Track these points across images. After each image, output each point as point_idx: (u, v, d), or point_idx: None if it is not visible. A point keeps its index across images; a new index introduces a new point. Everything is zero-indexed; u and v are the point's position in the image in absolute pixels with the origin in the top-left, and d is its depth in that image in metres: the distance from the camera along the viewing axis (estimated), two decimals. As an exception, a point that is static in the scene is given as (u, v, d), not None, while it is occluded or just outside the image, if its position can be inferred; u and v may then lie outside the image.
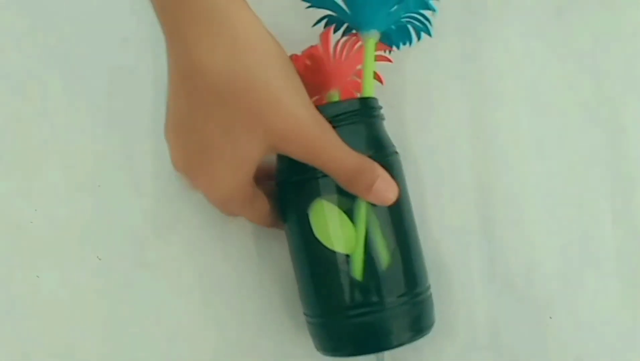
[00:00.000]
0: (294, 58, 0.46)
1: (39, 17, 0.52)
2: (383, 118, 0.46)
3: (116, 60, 0.51)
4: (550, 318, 0.49)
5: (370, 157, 0.43)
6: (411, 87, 0.51)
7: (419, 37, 0.49)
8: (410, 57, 0.51)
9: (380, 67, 0.49)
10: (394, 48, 0.50)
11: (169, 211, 0.50)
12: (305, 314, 0.46)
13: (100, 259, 0.49)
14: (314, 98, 0.48)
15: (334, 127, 0.43)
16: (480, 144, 0.51)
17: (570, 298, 0.49)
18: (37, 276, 0.49)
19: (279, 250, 0.48)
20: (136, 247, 0.49)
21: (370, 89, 0.46)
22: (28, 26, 0.52)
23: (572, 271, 0.50)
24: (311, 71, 0.46)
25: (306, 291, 0.45)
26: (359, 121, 0.44)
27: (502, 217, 0.50)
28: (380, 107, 0.46)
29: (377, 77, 0.49)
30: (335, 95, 0.47)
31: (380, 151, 0.45)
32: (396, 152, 0.46)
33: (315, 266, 0.44)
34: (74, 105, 0.51)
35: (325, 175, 0.43)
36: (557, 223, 0.50)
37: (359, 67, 0.48)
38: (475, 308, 0.49)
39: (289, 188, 0.45)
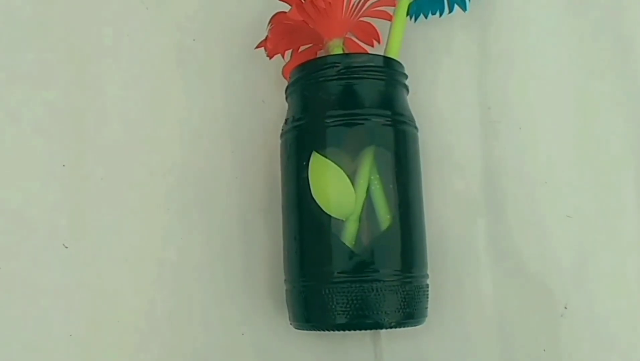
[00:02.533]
0: None
1: None
2: (407, 89, 0.43)
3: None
4: (565, 308, 0.44)
5: (386, 117, 0.40)
6: (417, 57, 0.47)
7: (450, 9, 0.45)
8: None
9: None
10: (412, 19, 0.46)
11: (150, 197, 0.46)
12: (285, 281, 0.41)
13: (67, 247, 0.45)
14: (308, 46, 0.45)
15: (352, 78, 0.40)
16: (489, 113, 0.47)
17: (587, 286, 0.45)
18: None
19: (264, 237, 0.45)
20: (115, 235, 0.45)
21: (397, 51, 0.43)
22: None
23: (589, 257, 0.45)
24: (322, 13, 0.42)
25: (291, 252, 0.40)
26: (383, 79, 0.41)
27: (512, 195, 0.46)
28: (406, 76, 0.43)
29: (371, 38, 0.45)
30: (338, 45, 0.43)
31: (397, 115, 0.41)
32: (415, 125, 0.42)
33: (305, 225, 0.40)
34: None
35: (331, 123, 0.39)
36: (574, 204, 0.46)
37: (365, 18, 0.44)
38: (482, 295, 0.45)
39: (291, 135, 0.41)
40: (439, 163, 0.46)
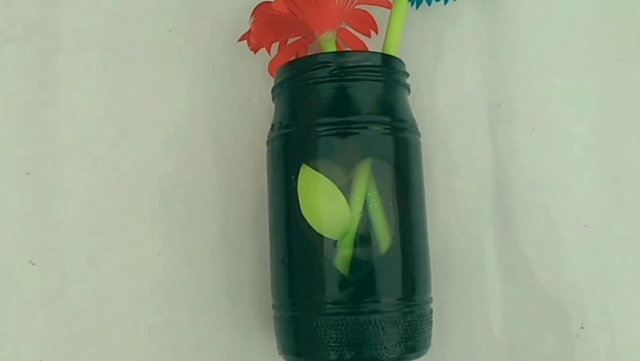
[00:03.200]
0: None
1: None
2: (409, 90, 0.38)
3: None
4: (582, 328, 0.40)
5: (385, 124, 0.35)
6: (419, 49, 0.43)
7: (457, -5, 0.41)
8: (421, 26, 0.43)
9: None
10: (414, 6, 0.41)
11: (123, 209, 0.41)
12: (273, 307, 0.37)
13: (34, 264, 0.41)
14: (297, 38, 0.40)
15: (346, 80, 0.35)
16: (499, 112, 0.42)
17: (605, 304, 0.41)
18: None
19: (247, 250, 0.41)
20: (86, 251, 0.41)
21: (397, 46, 0.38)
22: None
23: (609, 272, 0.41)
24: (312, 4, 0.37)
25: (279, 277, 0.36)
26: (381, 80, 0.36)
27: (524, 203, 0.42)
28: (407, 74, 0.38)
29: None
30: (331, 39, 0.39)
31: (397, 121, 0.36)
32: (417, 130, 0.37)
33: (294, 247, 0.36)
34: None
35: (323, 132, 0.35)
36: (592, 213, 0.42)
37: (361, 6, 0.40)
38: (490, 315, 0.41)
39: (278, 144, 0.37)
40: (443, 170, 0.42)
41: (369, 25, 0.42)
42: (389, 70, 0.36)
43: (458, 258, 0.41)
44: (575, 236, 0.41)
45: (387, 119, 0.35)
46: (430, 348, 0.36)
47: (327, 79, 0.35)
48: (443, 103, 0.42)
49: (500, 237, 0.41)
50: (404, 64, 0.37)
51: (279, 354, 0.37)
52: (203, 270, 0.41)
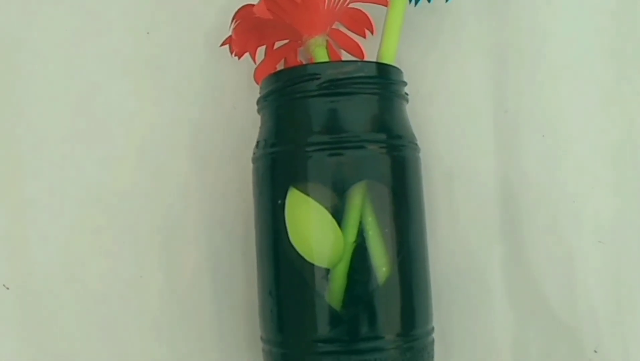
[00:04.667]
0: None
1: None
2: (407, 100, 0.35)
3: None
4: (595, 352, 0.38)
5: (381, 142, 0.32)
6: (418, 52, 0.40)
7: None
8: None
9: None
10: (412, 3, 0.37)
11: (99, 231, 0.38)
12: (262, 339, 0.34)
13: (8, 288, 0.38)
14: (285, 42, 0.37)
15: (337, 94, 0.32)
16: (506, 119, 0.39)
17: (620, 326, 0.38)
18: None
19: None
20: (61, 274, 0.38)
21: (393, 52, 0.35)
22: None
23: (624, 291, 0.39)
24: (299, 8, 0.34)
25: (266, 310, 0.33)
26: (376, 93, 0.33)
27: (533, 217, 0.39)
28: (405, 83, 0.35)
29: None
30: (321, 44, 0.35)
31: (395, 138, 0.33)
32: (416, 145, 0.34)
33: (282, 278, 0.33)
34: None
35: (312, 152, 0.32)
36: (607, 227, 0.39)
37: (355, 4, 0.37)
38: (497, 340, 0.38)
39: (263, 164, 0.34)
40: (444, 185, 0.39)
41: (363, 24, 0.39)
42: (384, 81, 0.33)
43: (462, 281, 0.38)
44: (588, 253, 0.39)
45: (383, 136, 0.32)
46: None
47: (316, 92, 0.32)
48: (444, 111, 0.39)
49: (508, 256, 0.39)
50: (401, 73, 0.34)
51: (270, 391, 0.34)
52: (189, 293, 0.38)
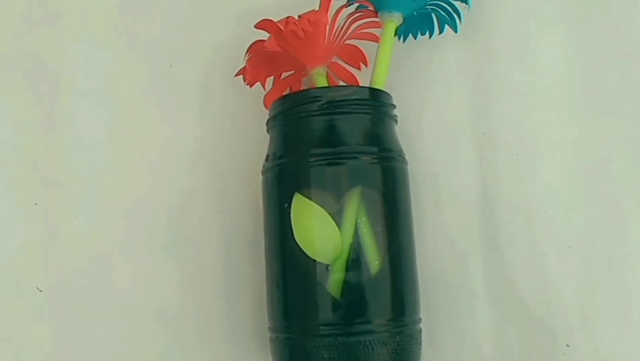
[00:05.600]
0: (287, 21, 0.39)
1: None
2: (396, 121, 0.40)
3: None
4: (568, 345, 0.42)
5: (373, 154, 0.37)
6: (406, 80, 0.45)
7: (441, 30, 0.43)
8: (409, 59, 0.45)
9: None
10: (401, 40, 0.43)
11: (123, 238, 0.43)
12: (269, 329, 0.39)
13: (41, 291, 0.43)
14: (291, 72, 0.43)
15: (336, 113, 0.37)
16: (483, 139, 0.44)
17: (590, 324, 0.42)
18: None
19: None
20: (89, 278, 0.43)
21: (383, 80, 0.40)
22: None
23: (593, 291, 0.43)
24: (303, 42, 0.39)
25: (274, 300, 0.38)
26: (368, 113, 0.38)
27: (509, 226, 0.43)
28: (394, 106, 0.40)
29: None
30: (321, 74, 0.41)
31: (385, 151, 0.38)
32: (404, 158, 0.39)
33: (288, 271, 0.37)
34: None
35: (314, 162, 0.37)
36: (575, 234, 0.43)
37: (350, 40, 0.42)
38: (479, 335, 0.42)
39: (272, 174, 0.39)
40: (431, 196, 0.44)
41: (358, 59, 0.44)
42: (376, 103, 0.38)
43: (448, 281, 0.43)
44: (559, 257, 0.43)
45: (375, 149, 0.37)
46: (420, 367, 0.38)
47: (318, 112, 0.37)
48: (430, 132, 0.44)
49: (488, 260, 0.43)
50: (390, 97, 0.40)
51: (275, 376, 0.39)
52: (203, 293, 0.42)
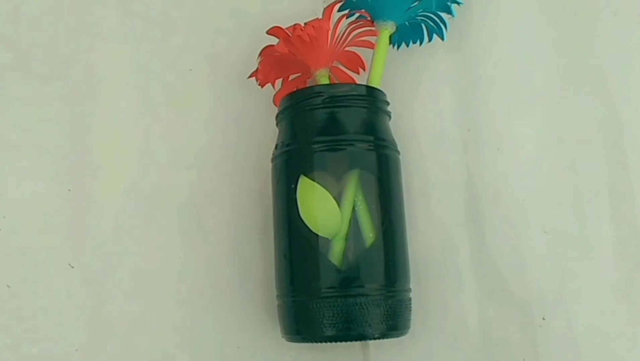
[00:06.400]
0: (295, 27, 0.45)
1: None
2: (389, 116, 0.45)
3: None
4: (543, 319, 0.46)
5: (369, 142, 0.42)
6: (400, 82, 0.50)
7: (430, 38, 0.48)
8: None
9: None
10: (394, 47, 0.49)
11: (150, 218, 0.48)
12: (277, 297, 0.44)
13: (73, 267, 0.47)
14: (297, 75, 0.47)
15: (337, 107, 0.42)
16: (468, 135, 0.49)
17: (564, 299, 0.47)
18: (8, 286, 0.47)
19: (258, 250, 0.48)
20: (117, 255, 0.47)
21: (379, 79, 0.46)
22: None
23: (566, 271, 0.48)
24: (308, 46, 0.45)
25: (281, 270, 0.43)
26: (365, 107, 0.44)
27: (492, 213, 0.48)
28: (388, 103, 0.45)
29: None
30: (324, 75, 0.46)
31: (379, 140, 0.43)
32: (396, 148, 0.45)
33: (295, 244, 0.42)
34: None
35: (318, 148, 0.42)
36: (552, 220, 0.48)
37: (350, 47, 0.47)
38: (464, 308, 0.47)
39: (281, 160, 0.44)
40: (421, 185, 0.48)
41: (357, 64, 0.49)
42: (372, 98, 0.44)
43: (437, 259, 0.47)
44: (536, 241, 0.48)
45: (371, 138, 0.43)
46: (410, 331, 0.43)
47: (321, 105, 0.43)
48: (421, 128, 0.49)
49: (473, 242, 0.48)
50: (384, 94, 0.45)
51: (282, 337, 0.43)
52: (218, 270, 0.47)
